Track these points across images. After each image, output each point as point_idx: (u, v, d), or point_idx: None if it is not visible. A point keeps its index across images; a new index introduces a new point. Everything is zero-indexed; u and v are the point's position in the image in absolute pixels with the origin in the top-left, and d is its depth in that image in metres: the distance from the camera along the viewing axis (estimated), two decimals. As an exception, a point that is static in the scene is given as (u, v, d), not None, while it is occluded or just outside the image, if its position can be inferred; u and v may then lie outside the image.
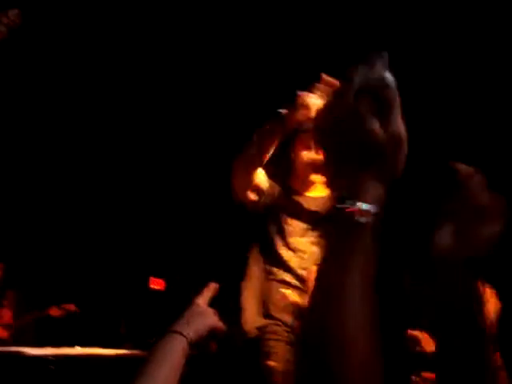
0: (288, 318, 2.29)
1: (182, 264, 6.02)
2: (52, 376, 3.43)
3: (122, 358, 3.87)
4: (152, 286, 6.29)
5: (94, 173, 5.94)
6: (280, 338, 2.27)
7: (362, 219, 0.67)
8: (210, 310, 1.24)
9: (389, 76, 0.72)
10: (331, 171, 0.75)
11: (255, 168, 2.29)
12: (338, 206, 0.68)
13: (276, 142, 2.22)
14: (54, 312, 5.02)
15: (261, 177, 2.35)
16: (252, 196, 2.34)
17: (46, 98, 5.37)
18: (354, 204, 0.67)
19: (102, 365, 3.72)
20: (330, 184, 0.78)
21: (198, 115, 5.31)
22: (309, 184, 2.46)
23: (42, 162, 5.87)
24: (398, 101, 0.74)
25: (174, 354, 1.08)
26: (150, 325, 5.73)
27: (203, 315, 1.20)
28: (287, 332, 2.28)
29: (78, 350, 3.82)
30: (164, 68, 5.05)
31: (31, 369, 3.52)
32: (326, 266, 0.69)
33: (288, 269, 2.34)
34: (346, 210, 0.67)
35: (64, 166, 5.91)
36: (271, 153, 2.24)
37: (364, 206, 0.67)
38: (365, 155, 0.70)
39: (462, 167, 0.91)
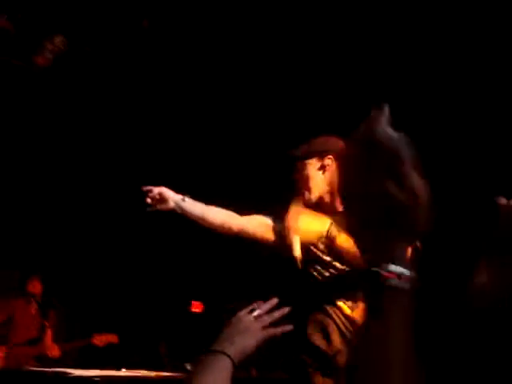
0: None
1: (220, 287, 6.05)
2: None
3: (165, 380, 3.92)
4: (193, 309, 6.35)
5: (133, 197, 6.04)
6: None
7: (396, 282, 0.68)
8: (256, 326, 1.13)
9: (391, 130, 0.73)
10: (360, 236, 0.76)
11: None
12: (373, 269, 0.70)
13: None
14: (97, 342, 5.09)
15: None
16: None
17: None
18: (387, 268, 0.69)
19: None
20: (360, 248, 0.78)
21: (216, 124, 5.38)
22: None
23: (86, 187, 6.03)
24: (408, 154, 0.72)
25: (217, 374, 1.00)
26: (190, 347, 5.78)
27: (248, 333, 1.10)
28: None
29: (122, 372, 3.89)
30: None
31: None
32: (368, 327, 0.70)
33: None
34: (381, 274, 0.69)
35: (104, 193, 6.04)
36: None
37: (396, 269, 0.69)
38: (387, 217, 0.71)
39: (504, 202, 0.89)
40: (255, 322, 1.13)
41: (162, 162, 5.63)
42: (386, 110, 0.75)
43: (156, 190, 2.62)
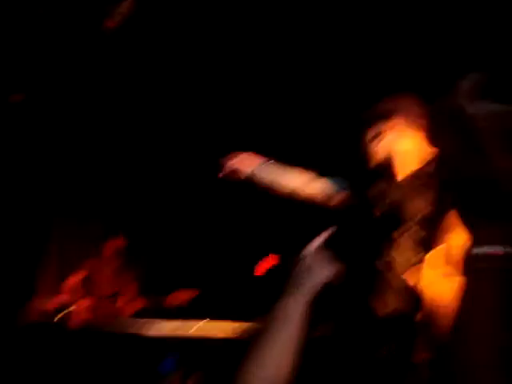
0: None
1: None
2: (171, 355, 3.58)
3: (244, 332, 3.96)
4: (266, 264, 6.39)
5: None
6: None
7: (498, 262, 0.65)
8: (320, 260, 1.10)
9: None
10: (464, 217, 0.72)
11: None
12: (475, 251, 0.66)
13: None
14: (179, 295, 5.24)
15: None
16: None
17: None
18: (490, 248, 0.65)
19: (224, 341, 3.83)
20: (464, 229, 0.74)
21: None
22: None
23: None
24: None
25: (292, 316, 1.02)
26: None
27: (314, 269, 1.08)
28: None
29: (198, 331, 3.94)
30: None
31: (152, 349, 3.69)
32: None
33: None
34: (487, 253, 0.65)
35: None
36: None
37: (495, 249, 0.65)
38: (494, 196, 0.67)
39: None
40: (317, 257, 1.11)
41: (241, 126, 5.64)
42: (475, 79, 0.68)
43: (230, 161, 2.68)
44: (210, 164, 3.11)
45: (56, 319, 5.30)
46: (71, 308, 5.20)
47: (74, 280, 5.39)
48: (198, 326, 4.08)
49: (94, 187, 6.21)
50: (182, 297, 5.24)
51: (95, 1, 4.87)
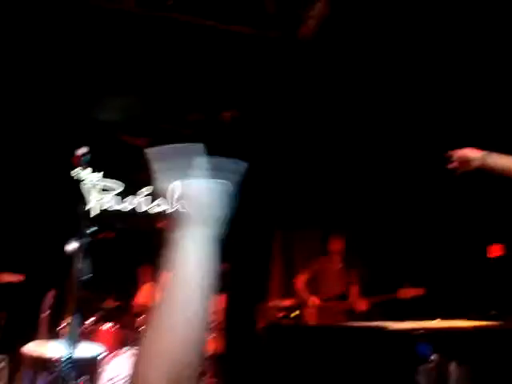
0: None
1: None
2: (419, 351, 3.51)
3: (484, 330, 3.77)
4: (491, 254, 6.04)
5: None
6: None
7: None
8: None
9: None
10: None
11: None
12: None
13: None
14: (403, 295, 5.17)
15: None
16: None
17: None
18: None
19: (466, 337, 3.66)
20: None
21: None
22: None
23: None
24: None
25: None
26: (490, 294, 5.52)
27: None
28: None
29: (440, 324, 3.84)
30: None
31: (396, 344, 3.66)
32: None
33: None
34: None
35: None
36: None
37: None
38: None
39: None
40: None
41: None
42: None
43: (458, 153, 2.68)
44: (435, 158, 3.10)
45: (288, 319, 5.59)
46: (301, 308, 5.43)
47: (301, 281, 5.60)
48: (430, 324, 3.95)
49: (313, 191, 6.41)
50: (407, 295, 5.16)
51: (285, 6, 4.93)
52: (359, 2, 4.67)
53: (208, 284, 0.96)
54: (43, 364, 2.96)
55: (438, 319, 3.88)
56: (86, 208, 6.79)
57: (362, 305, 5.37)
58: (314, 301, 5.44)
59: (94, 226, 2.11)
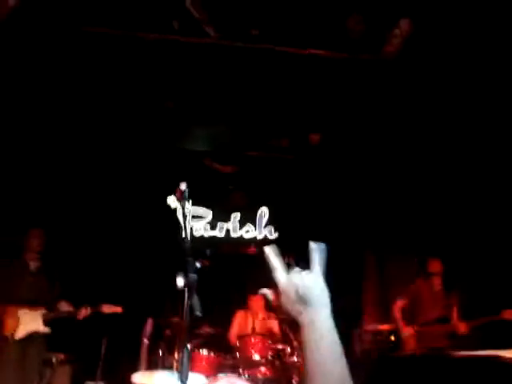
0: None
1: None
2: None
3: None
4: None
5: None
6: None
7: None
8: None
9: None
10: None
11: None
12: None
13: None
14: (509, 315, 4.94)
15: None
16: None
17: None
18: None
19: None
20: None
21: None
22: None
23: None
24: None
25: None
26: None
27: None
28: None
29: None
30: None
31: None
32: None
33: None
34: None
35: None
36: None
37: None
38: None
39: None
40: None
41: None
42: None
43: None
44: None
45: (386, 344, 5.44)
46: (401, 333, 5.27)
47: (398, 308, 5.45)
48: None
49: (406, 214, 6.29)
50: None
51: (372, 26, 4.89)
52: (442, 18, 4.58)
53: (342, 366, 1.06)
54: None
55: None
56: (183, 236, 6.96)
57: (463, 327, 5.14)
58: (409, 331, 5.26)
59: (198, 261, 2.16)
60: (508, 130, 5.38)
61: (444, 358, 4.12)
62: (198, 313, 2.04)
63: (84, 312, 4.65)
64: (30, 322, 4.57)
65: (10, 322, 4.52)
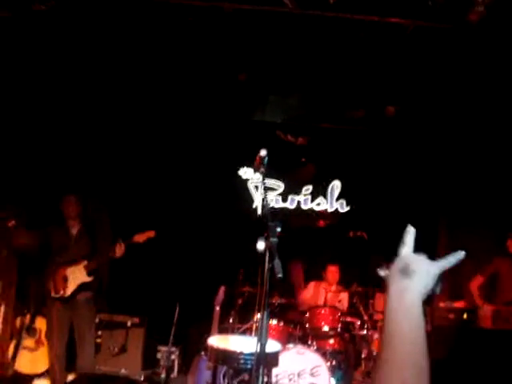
0: None
1: None
2: None
3: None
4: None
5: None
6: None
7: None
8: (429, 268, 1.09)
9: None
10: None
11: None
12: None
13: None
14: None
15: None
16: None
17: None
18: None
19: None
20: None
21: None
22: None
23: None
24: None
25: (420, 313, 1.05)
26: None
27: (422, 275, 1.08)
28: None
29: None
30: None
31: None
32: None
33: None
34: None
35: None
36: None
37: None
38: None
39: None
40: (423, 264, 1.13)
41: None
42: None
43: None
44: None
45: (460, 323, 5.34)
46: (476, 311, 5.16)
47: (476, 285, 5.33)
48: None
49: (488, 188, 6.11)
50: None
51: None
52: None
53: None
54: (226, 357, 3.09)
55: None
56: (253, 206, 7.04)
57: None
58: (488, 308, 5.11)
59: (279, 225, 2.18)
60: None
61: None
62: (280, 275, 2.05)
63: (119, 248, 4.71)
64: (76, 277, 4.77)
65: (60, 283, 4.75)
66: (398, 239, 1.14)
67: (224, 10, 4.72)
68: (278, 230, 2.20)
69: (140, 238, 4.73)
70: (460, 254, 1.11)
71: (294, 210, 7.10)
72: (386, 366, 0.98)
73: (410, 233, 1.15)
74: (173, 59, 5.50)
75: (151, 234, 4.76)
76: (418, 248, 1.16)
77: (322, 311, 5.43)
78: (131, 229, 4.88)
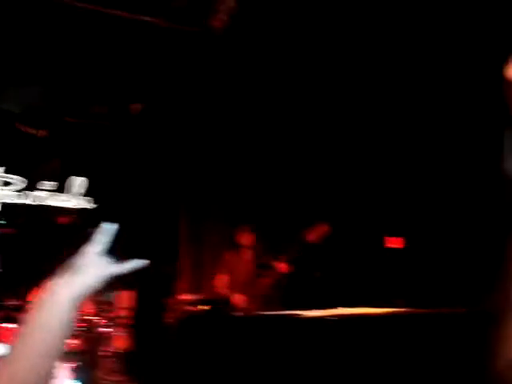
0: None
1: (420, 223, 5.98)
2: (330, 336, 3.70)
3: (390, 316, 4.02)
4: (389, 245, 6.39)
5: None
6: None
7: None
8: (99, 261, 1.12)
9: None
10: None
11: None
12: None
13: None
14: None
15: None
16: None
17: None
18: None
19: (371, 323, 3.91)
20: None
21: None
22: None
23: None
24: None
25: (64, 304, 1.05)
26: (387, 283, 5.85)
27: (89, 269, 1.11)
28: None
29: (345, 311, 4.06)
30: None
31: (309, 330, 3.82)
32: None
33: None
34: None
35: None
36: None
37: None
38: None
39: None
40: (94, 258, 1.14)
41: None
42: None
43: None
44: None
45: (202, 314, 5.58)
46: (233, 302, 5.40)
47: (224, 281, 5.60)
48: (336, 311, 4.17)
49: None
50: None
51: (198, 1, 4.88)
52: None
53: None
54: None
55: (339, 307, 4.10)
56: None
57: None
58: (240, 298, 5.41)
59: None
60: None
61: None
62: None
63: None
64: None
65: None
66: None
67: None
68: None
69: None
70: (139, 263, 1.12)
71: (38, 206, 6.68)
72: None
73: (103, 231, 1.13)
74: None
75: None
76: (125, 244, 1.10)
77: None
78: None
